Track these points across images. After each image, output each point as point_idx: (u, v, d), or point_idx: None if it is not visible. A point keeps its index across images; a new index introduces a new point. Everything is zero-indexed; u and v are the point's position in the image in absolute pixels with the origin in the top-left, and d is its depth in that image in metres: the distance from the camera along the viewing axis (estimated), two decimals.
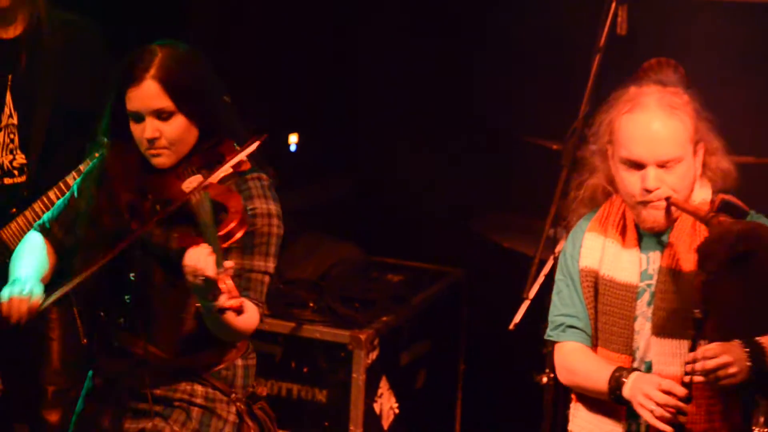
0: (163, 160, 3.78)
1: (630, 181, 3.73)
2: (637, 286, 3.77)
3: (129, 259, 3.83)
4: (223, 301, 3.48)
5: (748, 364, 3.55)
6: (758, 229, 3.59)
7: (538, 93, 5.29)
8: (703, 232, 3.68)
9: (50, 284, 4.03)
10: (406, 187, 6.07)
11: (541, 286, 4.63)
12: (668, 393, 3.58)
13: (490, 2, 5.97)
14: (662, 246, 3.78)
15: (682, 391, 3.57)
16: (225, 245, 3.61)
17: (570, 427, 3.93)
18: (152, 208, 3.78)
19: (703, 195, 3.78)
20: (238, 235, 3.64)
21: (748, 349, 3.57)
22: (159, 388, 3.86)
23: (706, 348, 3.57)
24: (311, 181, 6.14)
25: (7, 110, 4.64)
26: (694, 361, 3.55)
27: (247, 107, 4.25)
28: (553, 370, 4.31)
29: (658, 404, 3.58)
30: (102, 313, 3.95)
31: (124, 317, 3.87)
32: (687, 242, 3.73)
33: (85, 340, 4.45)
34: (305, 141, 6.11)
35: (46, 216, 4.05)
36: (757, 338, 3.59)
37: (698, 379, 3.57)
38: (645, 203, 3.73)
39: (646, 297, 3.77)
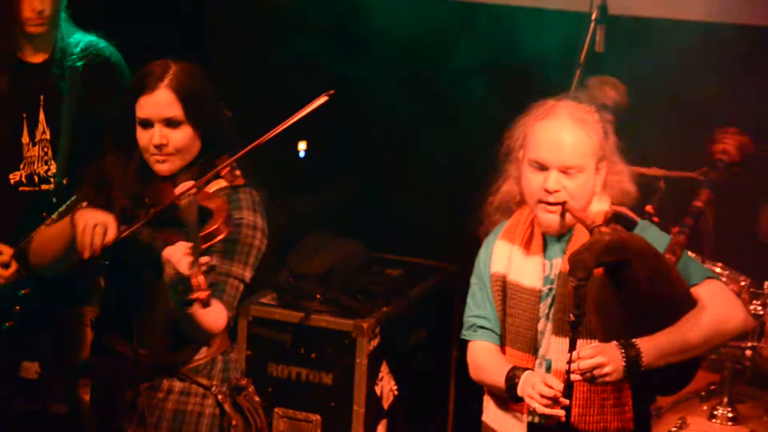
0: (167, 166, 3.83)
1: (533, 182, 3.80)
2: (541, 290, 3.84)
3: (120, 259, 3.88)
4: (192, 293, 3.54)
5: (623, 364, 3.60)
6: (629, 240, 3.65)
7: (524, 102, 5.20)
8: None
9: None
10: (405, 191, 6.17)
11: None
12: (551, 387, 3.66)
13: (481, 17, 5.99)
14: (563, 253, 3.84)
15: (560, 385, 3.64)
16: (206, 245, 3.64)
17: (483, 417, 4.00)
18: (146, 212, 3.81)
19: (601, 207, 3.84)
20: (220, 237, 3.69)
21: (623, 351, 3.62)
22: (142, 384, 3.89)
23: (583, 349, 3.64)
24: (318, 185, 6.21)
25: (41, 127, 4.77)
26: (571, 360, 3.62)
27: (260, 116, 4.38)
28: None
29: (542, 395, 3.65)
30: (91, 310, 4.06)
31: (113, 316, 3.93)
32: (567, 260, 3.73)
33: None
34: (313, 148, 6.17)
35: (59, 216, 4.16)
36: (634, 340, 3.63)
37: (575, 377, 3.64)
38: (542, 203, 3.79)
39: (549, 300, 3.84)
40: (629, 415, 3.78)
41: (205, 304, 3.56)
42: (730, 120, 4.83)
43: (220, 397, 3.92)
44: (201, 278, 3.51)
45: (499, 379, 3.81)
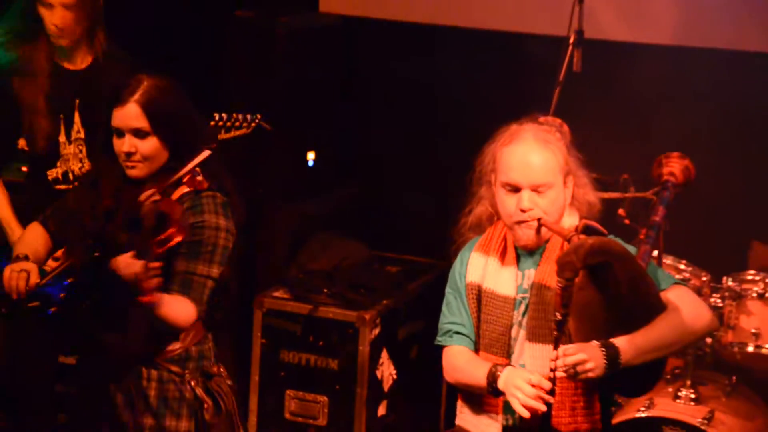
0: (136, 172, 3.88)
1: (508, 203, 3.80)
2: (515, 298, 3.83)
3: (99, 258, 3.88)
4: (141, 296, 3.61)
5: (604, 361, 3.59)
6: (610, 243, 3.65)
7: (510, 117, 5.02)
8: None
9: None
10: (403, 194, 6.28)
11: None
12: (536, 386, 3.64)
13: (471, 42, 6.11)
14: (536, 265, 3.83)
15: (547, 384, 3.63)
16: (161, 249, 3.68)
17: (457, 421, 3.98)
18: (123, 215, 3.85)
19: (571, 221, 3.84)
20: (176, 240, 3.70)
21: (603, 349, 3.60)
22: (124, 375, 3.93)
23: (567, 347, 3.61)
24: (325, 191, 6.23)
25: (75, 127, 4.86)
26: (557, 358, 3.60)
27: (275, 130, 4.65)
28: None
29: (526, 395, 3.63)
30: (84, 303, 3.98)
31: (96, 311, 3.93)
32: (555, 262, 3.70)
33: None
34: (320, 158, 6.19)
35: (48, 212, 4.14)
36: (612, 339, 3.63)
37: (560, 374, 3.62)
38: (520, 222, 3.79)
39: (522, 308, 3.83)
40: (597, 417, 3.80)
41: (153, 305, 3.66)
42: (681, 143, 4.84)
43: (192, 382, 3.96)
44: (148, 282, 3.60)
45: (478, 376, 3.78)
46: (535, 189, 3.77)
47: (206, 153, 3.88)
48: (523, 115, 4.36)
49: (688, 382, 5.09)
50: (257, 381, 5.66)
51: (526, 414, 3.62)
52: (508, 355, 3.83)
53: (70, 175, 4.91)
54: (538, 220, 3.76)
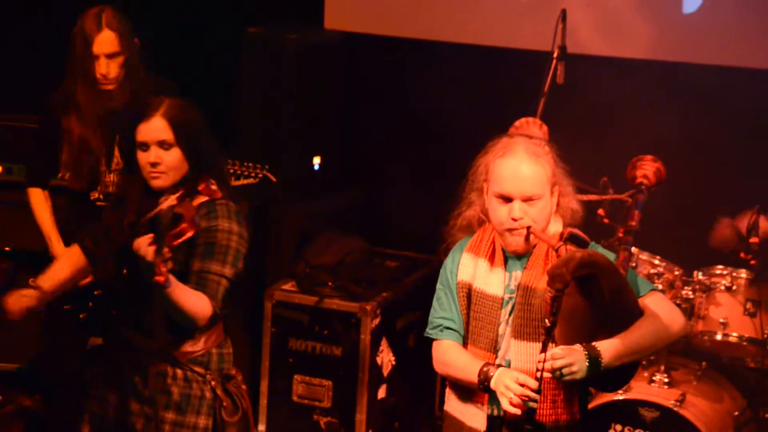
0: (159, 182, 3.98)
1: (500, 212, 3.79)
2: (502, 298, 3.82)
3: (125, 265, 4.00)
4: (155, 276, 3.69)
5: (586, 365, 3.63)
6: (596, 256, 3.64)
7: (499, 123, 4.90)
8: (554, 258, 3.73)
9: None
10: (400, 196, 6.37)
11: None
12: (523, 385, 3.67)
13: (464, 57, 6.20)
14: (522, 267, 3.83)
15: (534, 384, 3.65)
16: (175, 243, 3.76)
17: (446, 407, 3.98)
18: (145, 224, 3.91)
19: (556, 228, 3.85)
20: (188, 234, 3.78)
21: (586, 352, 3.64)
22: (150, 373, 3.98)
23: (554, 351, 3.64)
24: (330, 193, 6.35)
25: (115, 159, 5.02)
26: (545, 360, 3.63)
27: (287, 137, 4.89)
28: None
29: (514, 393, 3.65)
30: (114, 311, 4.11)
31: (127, 314, 4.04)
32: (541, 266, 3.78)
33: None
34: (326, 163, 6.30)
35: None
36: (595, 344, 3.67)
37: (547, 375, 3.65)
38: (511, 230, 3.78)
39: (509, 307, 3.83)
40: (576, 408, 3.83)
41: (164, 285, 3.72)
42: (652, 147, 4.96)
43: (213, 383, 4.04)
44: (165, 266, 3.70)
45: (469, 372, 3.78)
46: (526, 200, 3.78)
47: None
48: (510, 124, 4.61)
49: (662, 367, 5.23)
50: (267, 366, 5.75)
51: (516, 411, 3.66)
52: (495, 350, 3.83)
53: (111, 198, 5.01)
54: (528, 228, 3.78)
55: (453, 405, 3.93)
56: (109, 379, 4.08)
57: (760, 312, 5.27)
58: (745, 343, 5.32)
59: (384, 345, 5.77)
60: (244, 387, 4.16)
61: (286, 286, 5.81)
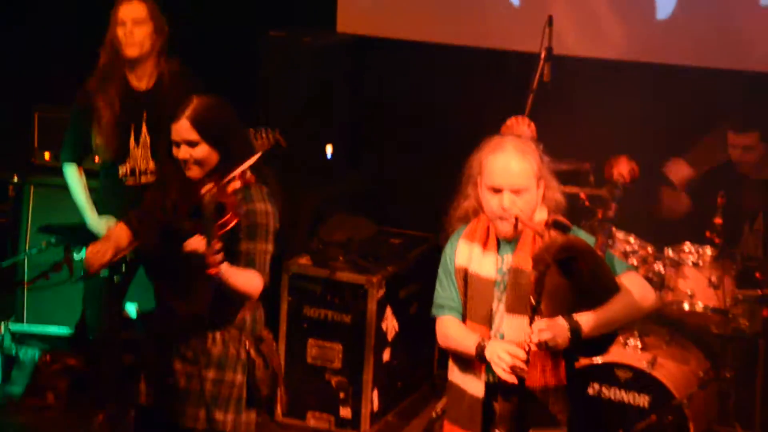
0: (192, 173, 4.12)
1: (491, 202, 3.95)
2: (495, 280, 3.98)
3: (172, 242, 4.10)
4: (208, 269, 3.86)
5: (568, 335, 3.83)
6: (576, 241, 3.82)
7: (491, 118, 5.19)
8: (539, 243, 3.90)
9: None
10: (404, 181, 6.65)
11: None
12: (513, 356, 3.83)
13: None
14: (513, 251, 3.98)
15: (523, 354, 3.83)
16: (222, 232, 3.89)
17: (449, 377, 4.11)
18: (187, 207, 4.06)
19: (541, 216, 3.98)
20: (233, 223, 3.92)
21: (568, 325, 3.84)
22: (192, 336, 4.15)
23: (539, 324, 3.82)
24: (341, 178, 6.61)
25: (143, 134, 5.30)
26: (532, 333, 3.82)
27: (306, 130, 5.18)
28: None
29: (506, 363, 3.83)
30: (156, 282, 4.26)
31: (171, 284, 4.19)
32: (529, 250, 3.93)
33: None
34: (337, 151, 6.53)
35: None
36: (575, 316, 3.86)
37: (533, 346, 3.83)
38: (501, 218, 3.94)
39: (501, 287, 3.99)
40: (563, 375, 3.97)
41: (219, 275, 3.89)
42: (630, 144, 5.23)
43: (247, 343, 4.20)
44: (217, 256, 3.86)
45: (467, 345, 3.94)
46: (514, 191, 3.93)
47: (255, 157, 4.16)
48: (502, 117, 4.85)
49: (636, 333, 5.47)
50: (284, 331, 5.96)
51: (509, 378, 3.83)
52: (490, 324, 3.98)
53: (137, 171, 5.31)
54: (516, 216, 3.92)
55: (456, 375, 4.07)
56: (158, 342, 4.24)
57: (722, 285, 5.42)
58: (709, 313, 5.50)
59: (388, 313, 5.98)
60: (274, 345, 4.33)
61: (302, 260, 6.03)
